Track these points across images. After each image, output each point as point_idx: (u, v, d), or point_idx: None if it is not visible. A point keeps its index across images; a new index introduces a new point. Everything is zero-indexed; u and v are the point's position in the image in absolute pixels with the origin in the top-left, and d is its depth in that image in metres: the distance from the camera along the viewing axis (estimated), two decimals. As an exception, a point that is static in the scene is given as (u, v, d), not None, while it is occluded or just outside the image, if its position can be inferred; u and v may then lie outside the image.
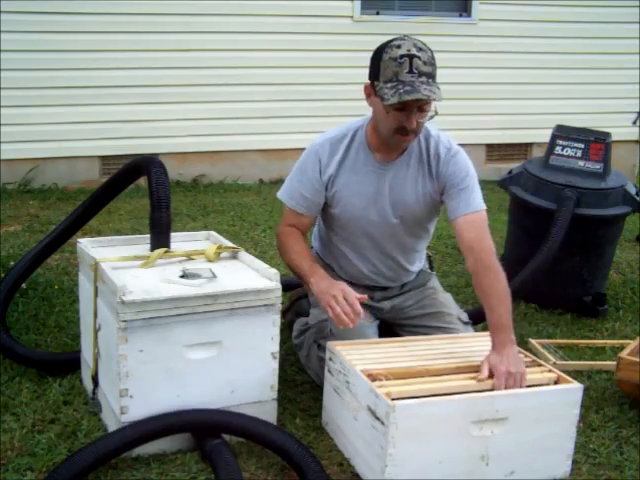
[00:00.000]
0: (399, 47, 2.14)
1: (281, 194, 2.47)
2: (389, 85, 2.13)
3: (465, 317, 2.61)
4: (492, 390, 2.06)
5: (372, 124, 2.35)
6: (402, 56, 2.12)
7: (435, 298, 2.61)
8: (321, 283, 2.27)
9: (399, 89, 2.11)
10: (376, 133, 2.33)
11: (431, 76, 2.14)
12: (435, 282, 2.70)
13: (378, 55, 2.18)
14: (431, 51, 2.17)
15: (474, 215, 2.29)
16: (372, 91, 2.22)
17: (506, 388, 2.05)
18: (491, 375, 2.09)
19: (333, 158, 2.37)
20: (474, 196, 2.32)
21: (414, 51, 2.13)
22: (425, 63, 2.13)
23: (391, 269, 2.54)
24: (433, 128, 2.37)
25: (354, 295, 2.19)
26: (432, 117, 2.22)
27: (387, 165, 2.37)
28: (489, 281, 2.22)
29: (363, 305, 2.22)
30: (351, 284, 2.35)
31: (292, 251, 2.41)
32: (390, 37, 2.20)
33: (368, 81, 2.24)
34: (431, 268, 2.76)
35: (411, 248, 2.54)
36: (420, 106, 2.16)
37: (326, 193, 2.40)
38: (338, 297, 2.17)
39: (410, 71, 2.11)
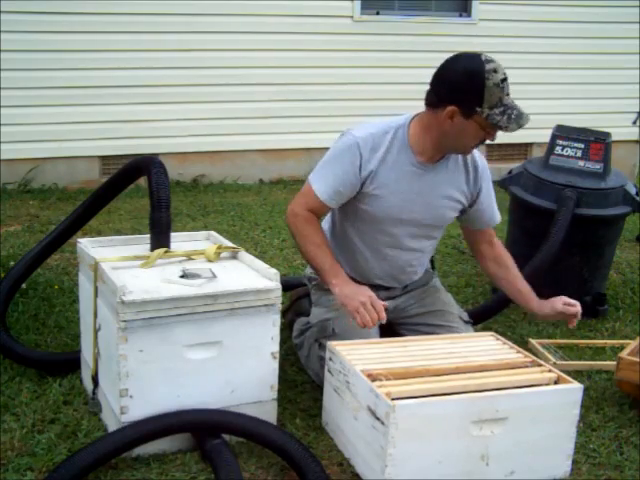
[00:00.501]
0: (496, 71, 2.17)
1: (315, 184, 2.36)
2: (497, 111, 2.18)
3: (466, 316, 2.62)
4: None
5: (422, 127, 2.32)
6: (502, 80, 2.18)
7: (438, 297, 2.62)
8: (345, 287, 2.29)
9: (510, 115, 2.19)
10: (436, 141, 2.30)
11: None
12: (437, 281, 2.71)
13: (478, 81, 2.16)
14: None
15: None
16: (460, 113, 2.20)
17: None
18: None
19: (375, 154, 2.33)
20: (495, 205, 2.55)
21: (505, 72, 2.19)
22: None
23: (402, 271, 2.54)
24: None
25: (380, 302, 2.23)
26: None
27: (427, 167, 2.37)
28: (512, 277, 2.58)
29: None
30: (358, 282, 2.36)
31: (311, 242, 2.37)
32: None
33: (451, 105, 2.19)
34: (433, 268, 2.76)
35: (423, 249, 2.54)
36: None
37: (362, 189, 2.36)
38: (367, 305, 2.20)
39: (508, 93, 2.20)
